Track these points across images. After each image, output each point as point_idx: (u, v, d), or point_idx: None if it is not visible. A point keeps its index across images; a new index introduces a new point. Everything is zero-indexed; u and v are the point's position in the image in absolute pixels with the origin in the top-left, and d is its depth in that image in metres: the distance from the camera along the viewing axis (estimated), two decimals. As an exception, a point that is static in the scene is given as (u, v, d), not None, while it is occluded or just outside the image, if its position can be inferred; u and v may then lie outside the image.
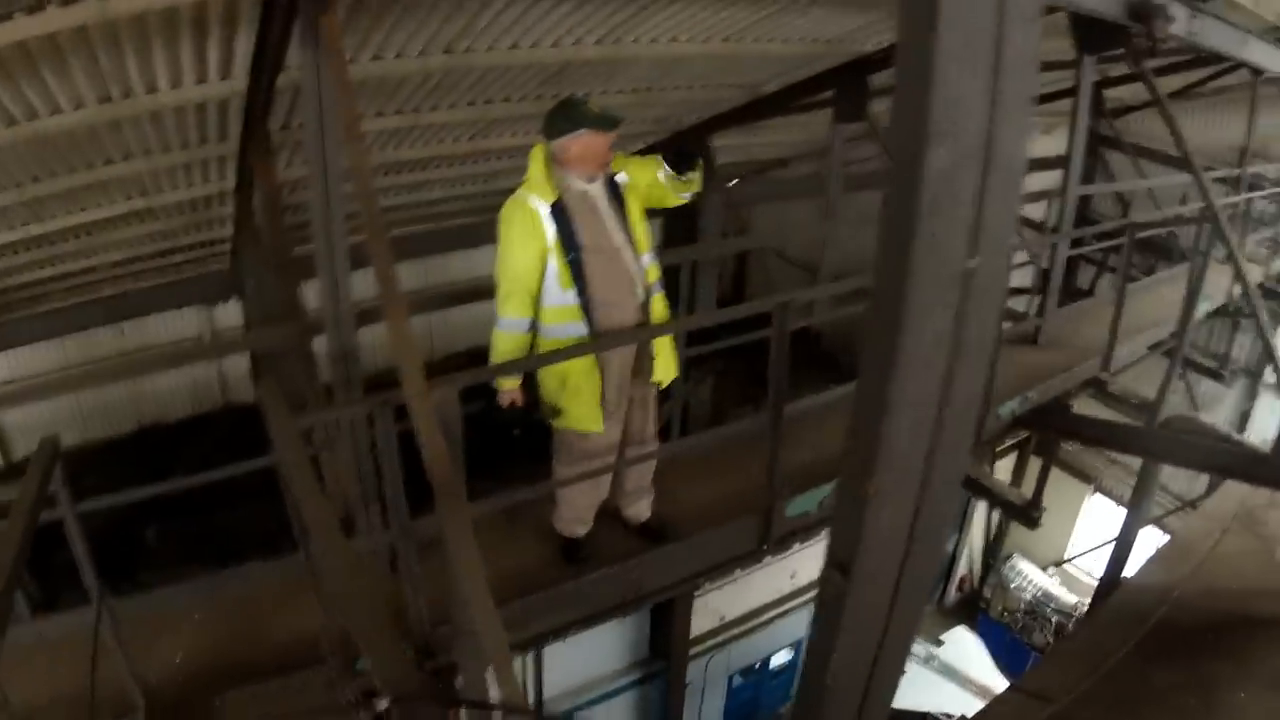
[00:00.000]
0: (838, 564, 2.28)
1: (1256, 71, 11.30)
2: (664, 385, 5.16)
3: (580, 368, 4.71)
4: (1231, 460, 7.90)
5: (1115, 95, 14.76)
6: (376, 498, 4.75)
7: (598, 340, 4.71)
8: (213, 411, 13.26)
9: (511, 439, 4.91)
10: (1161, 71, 13.07)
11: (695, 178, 4.88)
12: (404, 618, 4.54)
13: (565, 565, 5.25)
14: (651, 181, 4.84)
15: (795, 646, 15.90)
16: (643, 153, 5.19)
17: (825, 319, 9.17)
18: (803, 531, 6.07)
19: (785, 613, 15.06)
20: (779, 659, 15.59)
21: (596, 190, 4.74)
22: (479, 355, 4.83)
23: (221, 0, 4.77)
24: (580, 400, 4.79)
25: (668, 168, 4.79)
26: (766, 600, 14.36)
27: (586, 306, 4.69)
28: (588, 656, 10.28)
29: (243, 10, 4.96)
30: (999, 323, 2.01)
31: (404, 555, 4.45)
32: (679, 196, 4.93)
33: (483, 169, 10.05)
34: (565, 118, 4.60)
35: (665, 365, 5.05)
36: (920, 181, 1.78)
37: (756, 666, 14.60)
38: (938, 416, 2.04)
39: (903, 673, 2.54)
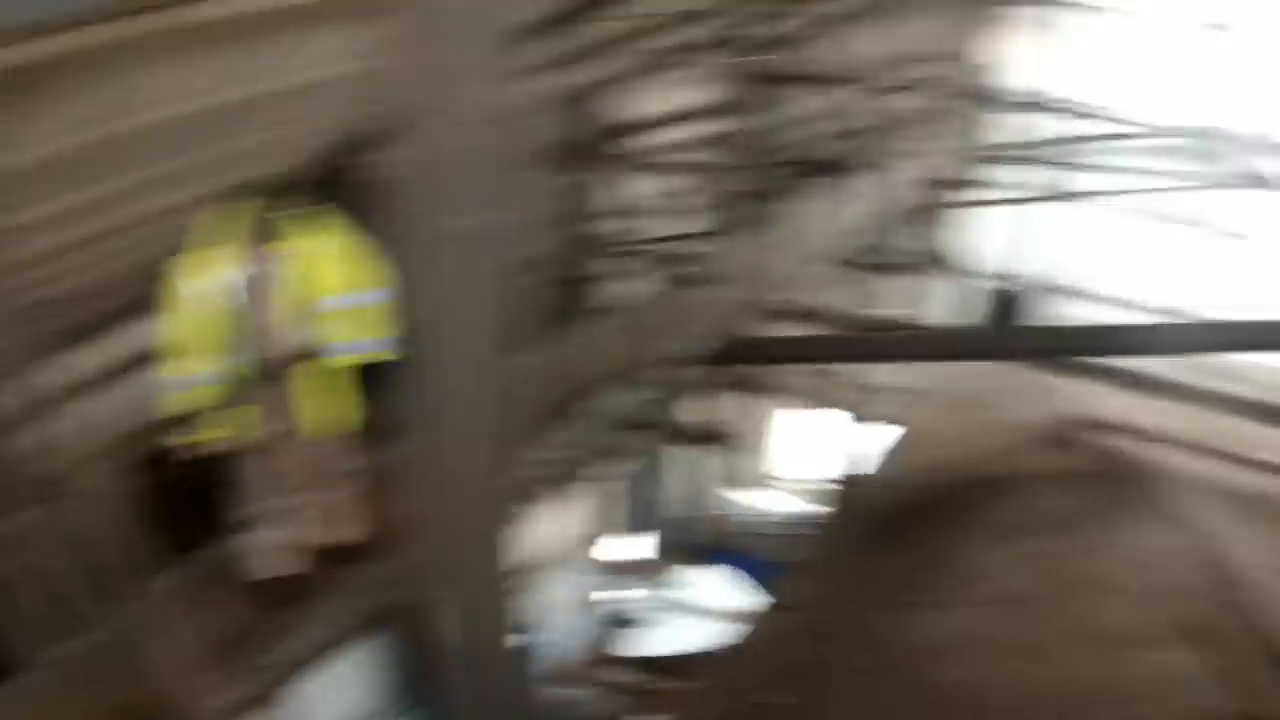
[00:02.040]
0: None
1: None
2: (324, 425, 5.24)
3: (242, 416, 4.91)
4: (918, 346, 8.60)
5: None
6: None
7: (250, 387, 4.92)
8: None
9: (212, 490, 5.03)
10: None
11: None
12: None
13: (285, 600, 5.25)
14: None
15: (545, 621, 15.78)
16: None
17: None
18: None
19: (528, 589, 14.99)
20: (531, 637, 15.57)
21: (255, 240, 4.91)
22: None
23: None
24: (246, 442, 4.97)
25: None
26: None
27: (244, 352, 4.90)
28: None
29: None
30: (503, 275, 2.13)
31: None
32: None
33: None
34: None
35: (323, 404, 5.14)
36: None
37: (517, 646, 14.51)
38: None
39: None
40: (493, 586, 2.78)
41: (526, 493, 6.35)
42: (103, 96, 5.57)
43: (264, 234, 4.90)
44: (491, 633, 3.32)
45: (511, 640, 5.68)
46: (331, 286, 4.96)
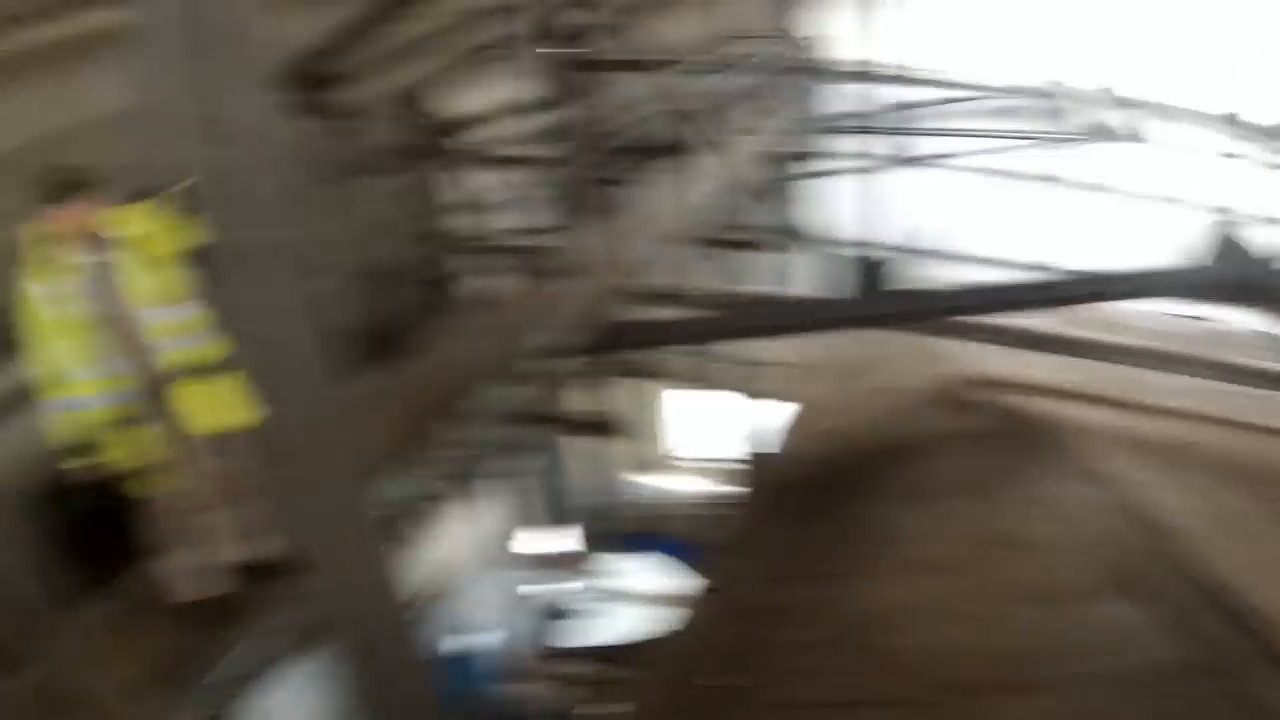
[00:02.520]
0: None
1: None
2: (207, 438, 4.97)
3: (123, 442, 4.68)
4: (787, 318, 8.48)
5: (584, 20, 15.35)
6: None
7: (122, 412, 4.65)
8: None
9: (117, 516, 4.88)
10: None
11: None
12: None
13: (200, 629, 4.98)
14: None
15: (472, 628, 15.59)
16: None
17: (354, 307, 9.07)
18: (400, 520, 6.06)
19: (446, 598, 14.61)
20: (460, 644, 15.31)
21: (103, 259, 4.65)
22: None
23: None
24: (132, 469, 4.76)
25: None
26: (422, 588, 14.21)
27: (112, 376, 4.63)
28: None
29: None
30: (299, 287, 2.04)
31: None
32: None
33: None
34: None
35: (205, 417, 4.88)
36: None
37: (442, 657, 14.42)
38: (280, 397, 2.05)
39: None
40: (387, 598, 2.60)
41: (411, 504, 6.20)
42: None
43: (98, 242, 4.66)
44: (401, 645, 3.08)
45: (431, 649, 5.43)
46: (165, 296, 4.78)
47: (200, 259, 4.41)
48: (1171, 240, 8.50)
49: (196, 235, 4.58)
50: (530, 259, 8.71)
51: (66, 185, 4.54)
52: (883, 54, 15.47)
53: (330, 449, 2.32)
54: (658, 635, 7.43)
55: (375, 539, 3.72)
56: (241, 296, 2.00)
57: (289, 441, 2.22)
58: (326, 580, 2.36)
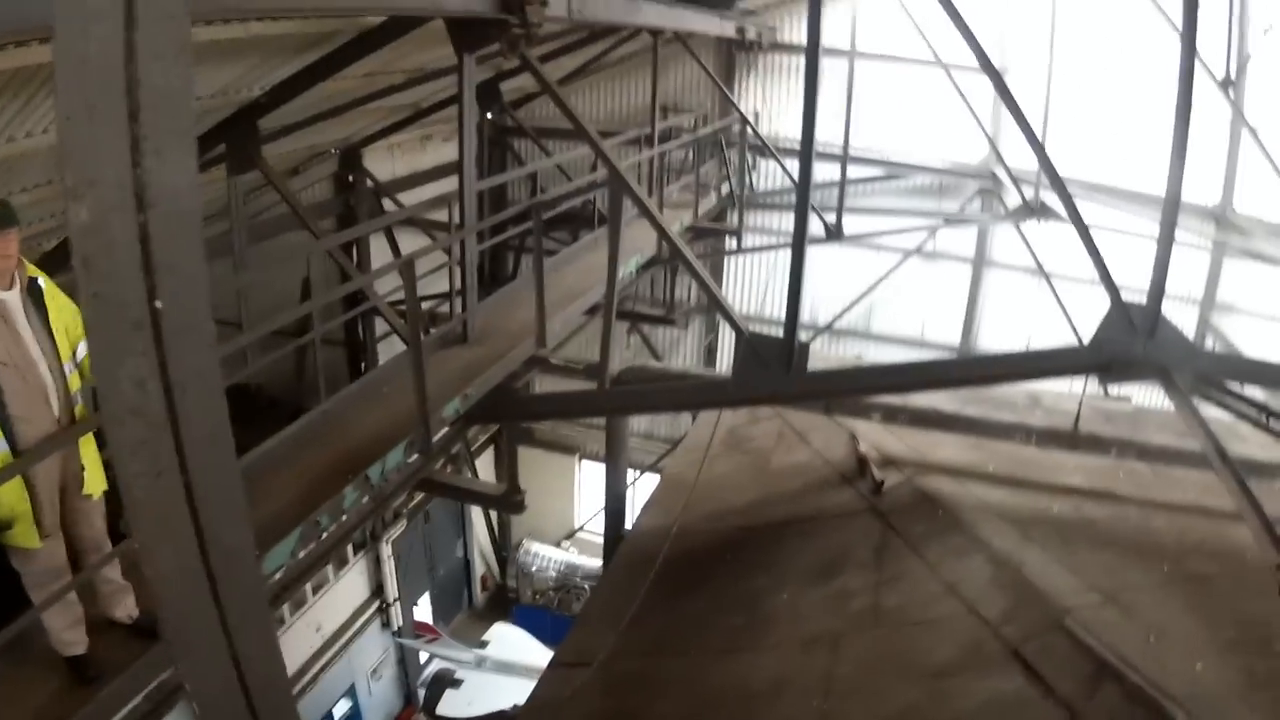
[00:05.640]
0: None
1: (655, 33, 12.02)
2: (95, 497, 4.92)
3: (8, 488, 4.40)
4: (688, 395, 8.51)
5: (517, 85, 15.56)
6: None
7: (14, 460, 4.43)
8: None
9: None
10: (559, 53, 13.87)
11: None
12: None
13: (79, 687, 4.81)
14: None
15: (351, 694, 15.69)
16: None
17: (258, 367, 8.96)
18: (285, 588, 5.89)
19: (327, 664, 15.01)
20: (340, 710, 15.34)
21: (12, 299, 4.49)
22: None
23: None
24: (16, 518, 4.53)
25: None
26: (304, 659, 14.23)
27: (5, 424, 4.43)
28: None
29: None
30: (213, 354, 1.96)
31: None
32: None
33: None
34: None
35: (95, 476, 4.86)
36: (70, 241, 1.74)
37: None
38: (179, 461, 1.98)
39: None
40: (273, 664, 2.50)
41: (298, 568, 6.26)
42: None
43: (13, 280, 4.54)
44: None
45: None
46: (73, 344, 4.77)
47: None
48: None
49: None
50: (444, 324, 8.65)
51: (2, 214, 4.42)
52: (819, 130, 15.75)
53: (228, 512, 2.21)
54: (534, 705, 7.31)
55: (264, 603, 3.64)
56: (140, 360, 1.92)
57: (182, 502, 2.09)
58: (209, 645, 2.25)
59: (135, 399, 1.89)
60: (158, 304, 1.86)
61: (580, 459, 21.55)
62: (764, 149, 16.35)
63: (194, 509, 2.05)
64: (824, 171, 16.26)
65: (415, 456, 6.71)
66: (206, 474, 2.08)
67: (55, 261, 9.12)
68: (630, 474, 13.41)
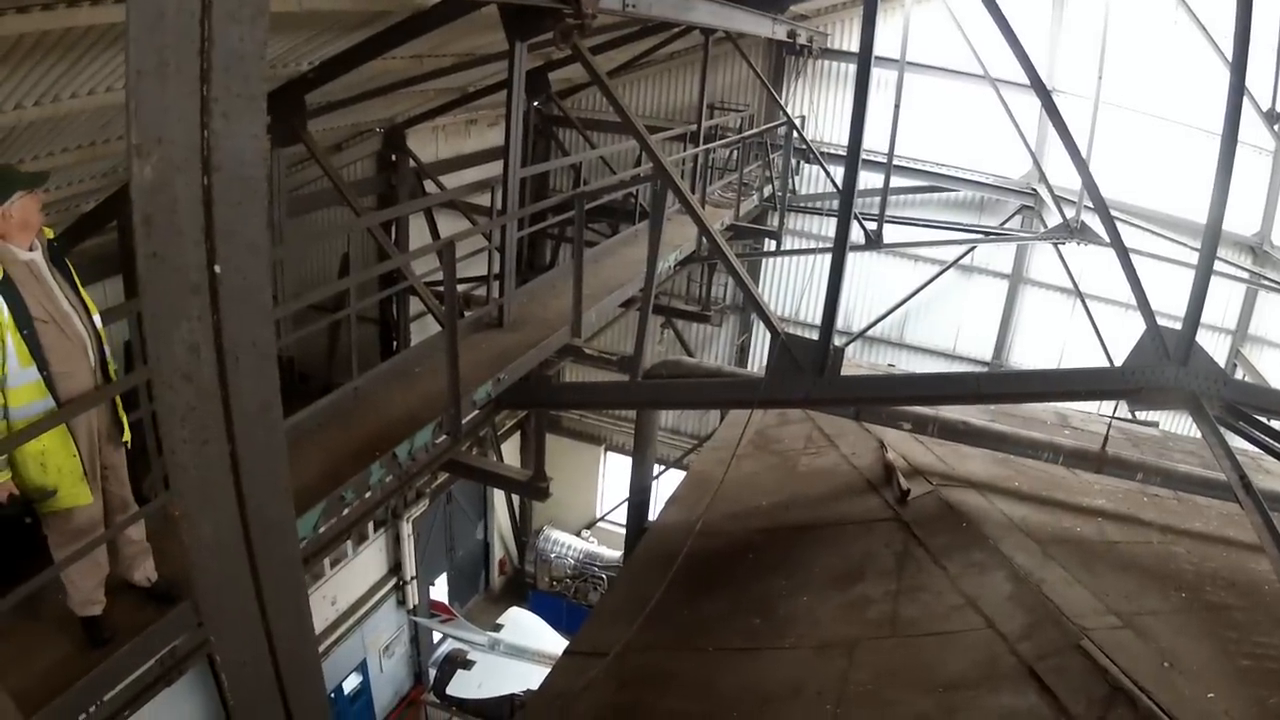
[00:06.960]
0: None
1: (707, 32, 12.10)
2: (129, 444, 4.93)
3: (56, 444, 4.47)
4: (720, 392, 8.50)
5: (565, 76, 15.58)
6: None
7: (61, 410, 4.46)
8: None
9: (26, 530, 4.65)
10: (609, 46, 13.94)
11: None
12: None
13: (93, 649, 4.82)
14: None
15: (362, 669, 15.79)
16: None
17: (291, 340, 8.98)
18: (305, 562, 5.90)
19: (340, 639, 15.14)
20: (350, 684, 15.44)
21: (39, 258, 4.51)
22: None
23: None
24: (64, 476, 4.55)
25: None
26: (317, 632, 14.21)
27: (49, 381, 4.46)
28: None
29: None
30: (269, 325, 1.94)
31: None
32: None
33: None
34: None
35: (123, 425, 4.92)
36: (132, 198, 1.74)
37: (332, 697, 14.40)
38: (227, 430, 2.00)
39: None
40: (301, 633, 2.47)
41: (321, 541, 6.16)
42: None
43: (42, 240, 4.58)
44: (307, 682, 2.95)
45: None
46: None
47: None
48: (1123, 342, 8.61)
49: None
50: (480, 308, 8.65)
51: (33, 175, 4.48)
52: (866, 138, 15.72)
53: (272, 485, 2.20)
54: (546, 693, 7.31)
55: (300, 579, 3.67)
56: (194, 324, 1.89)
57: (227, 471, 2.09)
58: (244, 617, 2.25)
59: (187, 363, 1.88)
60: (217, 269, 1.85)
61: (605, 450, 21.61)
62: (808, 153, 16.33)
63: (238, 480, 2.04)
64: (867, 179, 16.15)
65: (443, 438, 6.71)
66: (254, 446, 2.06)
67: (95, 221, 9.34)
68: (655, 468, 13.41)
